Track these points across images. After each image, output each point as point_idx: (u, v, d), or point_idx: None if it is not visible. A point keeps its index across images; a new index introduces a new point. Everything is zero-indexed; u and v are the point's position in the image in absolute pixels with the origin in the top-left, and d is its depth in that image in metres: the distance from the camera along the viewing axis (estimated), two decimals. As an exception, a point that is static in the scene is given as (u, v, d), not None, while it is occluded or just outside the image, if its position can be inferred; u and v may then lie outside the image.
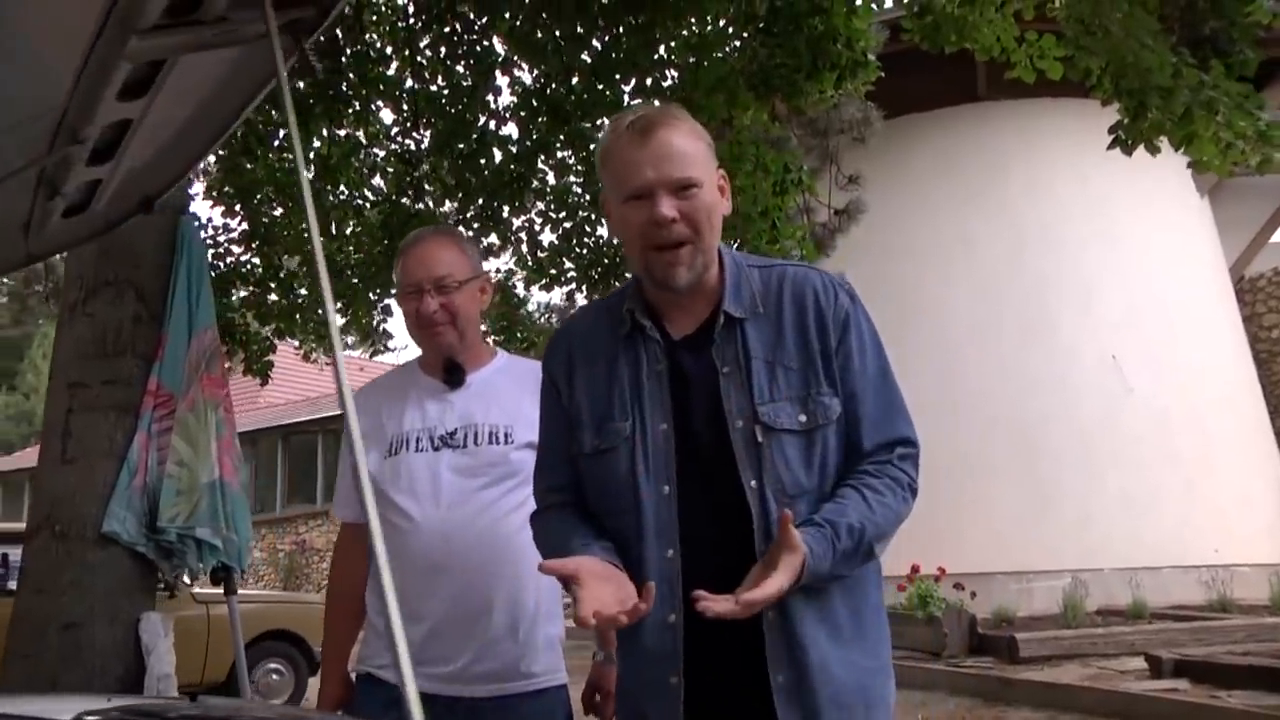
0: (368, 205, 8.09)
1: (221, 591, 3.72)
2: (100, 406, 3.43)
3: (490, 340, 5.98)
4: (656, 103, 6.82)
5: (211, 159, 7.35)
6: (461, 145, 7.23)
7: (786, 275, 1.81)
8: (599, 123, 6.86)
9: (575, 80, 6.71)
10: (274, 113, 7.36)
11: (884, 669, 1.79)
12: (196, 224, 3.90)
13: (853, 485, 1.69)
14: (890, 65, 10.73)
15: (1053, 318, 13.43)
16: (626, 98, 6.83)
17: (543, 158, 7.52)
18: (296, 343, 8.61)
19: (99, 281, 3.52)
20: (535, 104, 6.80)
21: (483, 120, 7.35)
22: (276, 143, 7.50)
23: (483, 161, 7.35)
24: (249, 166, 7.34)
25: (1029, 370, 13.21)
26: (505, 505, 2.22)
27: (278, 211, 7.65)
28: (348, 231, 8.25)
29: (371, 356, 9.56)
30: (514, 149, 7.36)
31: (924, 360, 13.67)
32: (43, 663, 3.25)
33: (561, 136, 6.92)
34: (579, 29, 6.50)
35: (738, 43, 6.90)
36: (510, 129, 7.27)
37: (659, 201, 1.65)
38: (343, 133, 7.83)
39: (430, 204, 7.79)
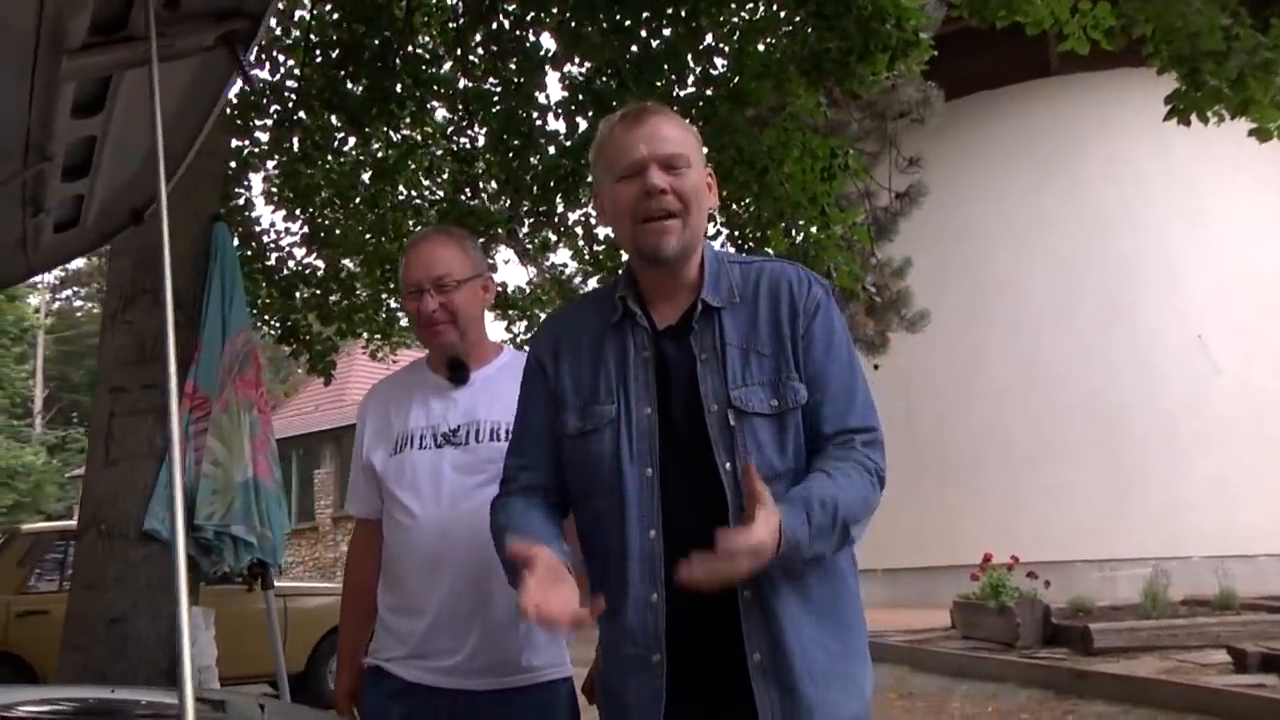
0: (427, 205, 8.21)
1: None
2: (140, 410, 3.56)
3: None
4: (709, 92, 6.84)
5: (270, 164, 7.57)
6: (516, 141, 7.29)
7: (765, 269, 1.86)
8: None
9: (620, 73, 6.71)
10: (332, 118, 7.54)
11: (860, 656, 1.80)
12: (229, 231, 4.01)
13: (819, 469, 1.70)
14: (959, 43, 10.51)
15: (1135, 298, 13.03)
16: (674, 89, 6.81)
17: (594, 152, 7.54)
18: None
19: (136, 290, 3.64)
20: (582, 98, 6.81)
21: (534, 116, 7.38)
22: (336, 144, 7.67)
23: (535, 159, 7.41)
24: (308, 171, 7.51)
25: (1110, 352, 12.84)
26: None
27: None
28: (415, 230, 8.40)
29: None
30: (568, 143, 7.40)
31: (1000, 344, 13.40)
32: (93, 655, 3.39)
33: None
34: (624, 21, 6.50)
35: (788, 28, 6.83)
36: (560, 124, 7.29)
37: (650, 173, 1.72)
38: (400, 135, 7.96)
39: (486, 200, 7.87)
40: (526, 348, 7.80)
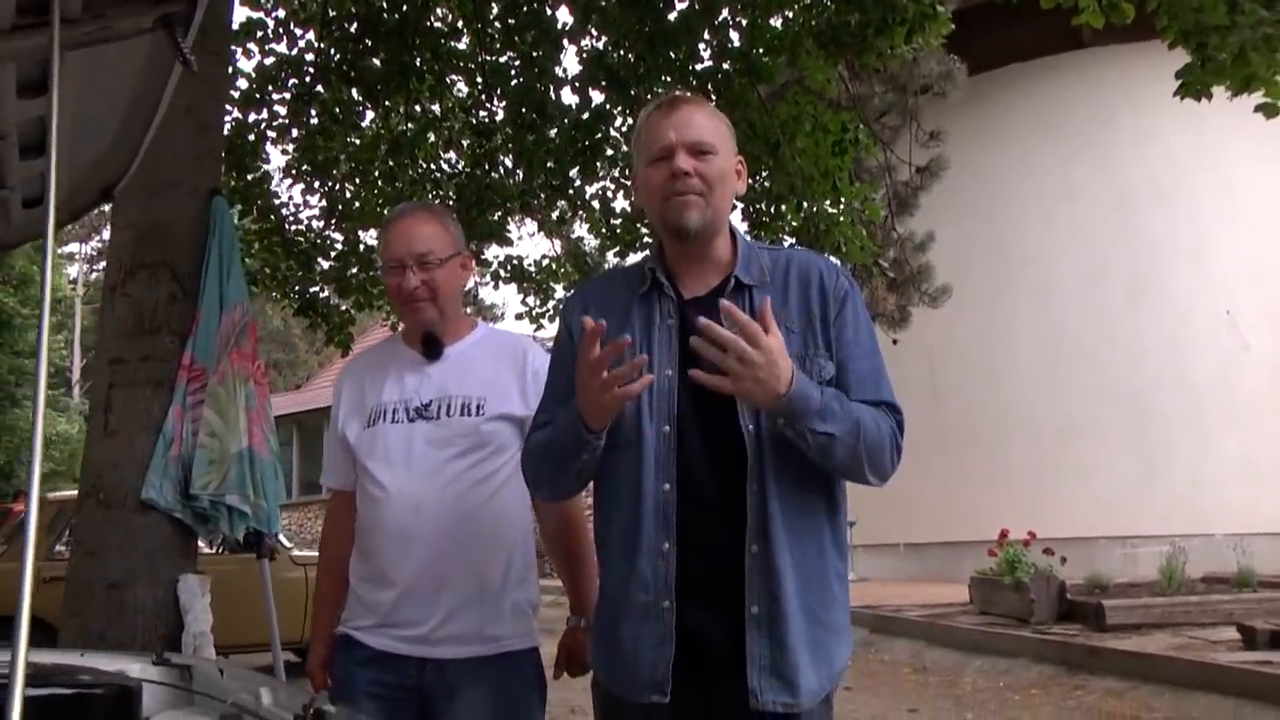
0: (445, 178, 8.25)
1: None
2: (138, 382, 3.62)
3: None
4: (725, 65, 6.81)
5: (289, 138, 7.62)
6: (533, 115, 7.29)
7: (794, 257, 1.99)
8: (657, 91, 6.85)
9: (636, 46, 6.70)
10: (354, 91, 7.58)
11: (837, 633, 1.87)
12: (229, 206, 4.06)
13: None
14: (988, 17, 10.36)
15: (1163, 274, 12.84)
16: (689, 63, 6.79)
17: (615, 125, 7.55)
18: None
19: (136, 264, 3.71)
20: (597, 72, 6.81)
21: (550, 90, 7.38)
22: (354, 118, 7.71)
23: (553, 132, 7.41)
24: (327, 145, 7.56)
25: (1137, 329, 12.68)
26: (474, 476, 2.28)
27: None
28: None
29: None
30: (584, 116, 7.39)
31: (1025, 320, 13.28)
32: (91, 620, 3.48)
33: (620, 106, 6.92)
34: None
35: (805, 1, 6.78)
36: (574, 99, 7.29)
37: (677, 156, 1.86)
38: (419, 109, 7.99)
39: (503, 174, 7.89)
40: (533, 321, 7.79)
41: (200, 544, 8.30)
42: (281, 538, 8.75)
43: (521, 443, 2.33)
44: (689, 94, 2.04)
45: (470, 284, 11.04)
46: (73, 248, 36.58)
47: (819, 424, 1.73)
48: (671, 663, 1.78)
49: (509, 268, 8.62)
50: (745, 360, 1.66)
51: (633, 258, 8.63)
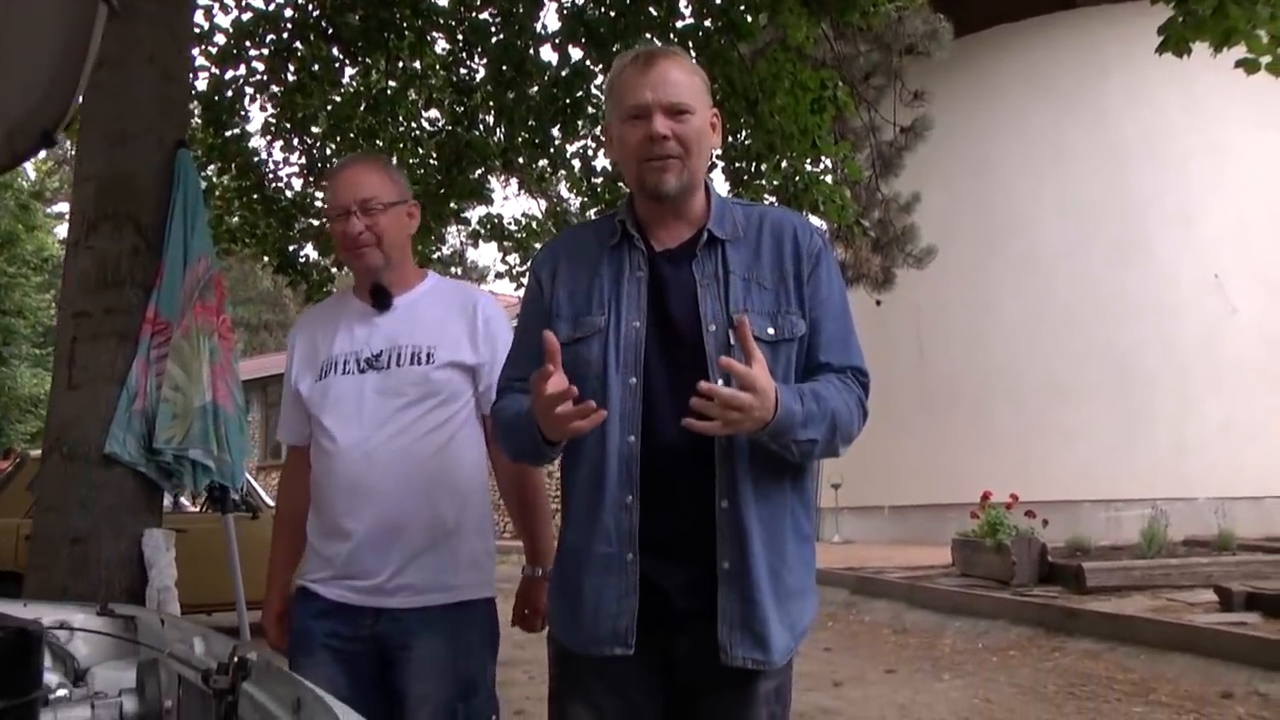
0: (425, 136, 8.16)
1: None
2: (102, 334, 3.58)
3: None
4: (706, 23, 6.72)
5: (275, 90, 7.52)
6: (513, 71, 7.21)
7: (769, 214, 1.99)
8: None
9: (615, 3, 6.61)
10: (333, 48, 7.48)
11: (800, 595, 1.87)
12: (193, 158, 4.00)
13: (813, 381, 1.84)
14: (979, -26, 10.26)
15: (1151, 236, 12.82)
16: (669, 20, 6.71)
17: (596, 83, 7.47)
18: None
19: (99, 216, 3.65)
20: (576, 29, 6.72)
21: (530, 47, 7.29)
22: (333, 75, 7.61)
23: (533, 90, 7.33)
24: (306, 101, 7.47)
25: (1124, 292, 12.68)
26: (425, 425, 2.28)
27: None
28: (411, 162, 8.37)
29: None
30: (564, 74, 7.31)
31: (1011, 283, 13.26)
32: (54, 574, 3.46)
33: (600, 63, 6.84)
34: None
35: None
36: (554, 56, 7.20)
37: (655, 119, 1.82)
38: (399, 66, 7.89)
39: (483, 132, 7.82)
40: (513, 280, 7.71)
41: (184, 502, 8.40)
42: (265, 496, 8.74)
43: (473, 390, 2.35)
44: (665, 47, 1.99)
45: (455, 244, 11.02)
46: (62, 206, 36.28)
47: (801, 434, 1.74)
48: (635, 615, 1.78)
49: (489, 226, 8.56)
50: (745, 409, 1.65)
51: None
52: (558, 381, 1.69)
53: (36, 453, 9.22)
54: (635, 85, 1.85)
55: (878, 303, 9.12)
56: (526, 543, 2.43)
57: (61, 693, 1.83)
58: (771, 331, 1.82)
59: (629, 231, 1.91)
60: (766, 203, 6.92)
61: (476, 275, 29.31)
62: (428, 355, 2.30)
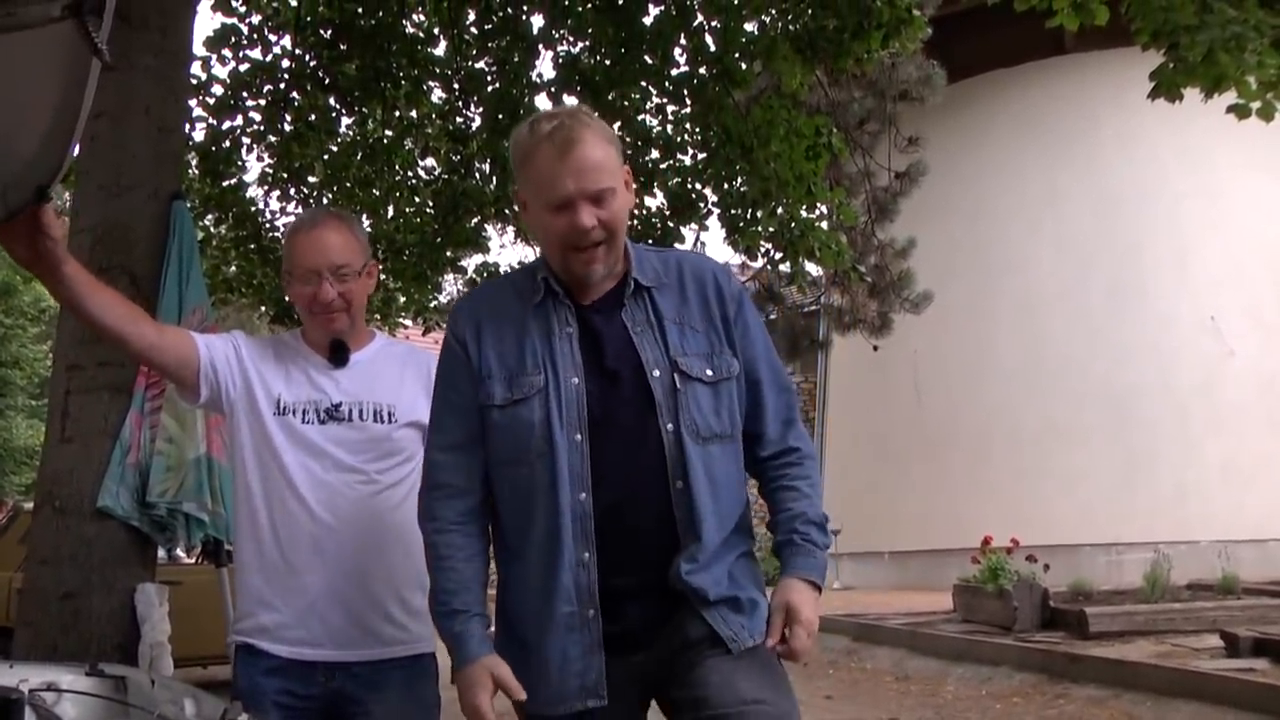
0: (421, 185, 8.20)
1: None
2: (95, 388, 3.56)
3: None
4: (701, 70, 6.78)
5: (272, 139, 7.56)
6: (509, 120, 7.26)
7: (685, 258, 2.02)
8: (633, 95, 6.81)
9: (609, 51, 6.67)
10: (329, 97, 7.53)
11: (761, 603, 1.92)
12: (190, 208, 4.01)
13: (787, 485, 1.94)
14: (972, 21, 10.36)
15: (1146, 279, 12.86)
16: (664, 68, 6.77)
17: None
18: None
19: (95, 268, 3.59)
20: (570, 78, 6.78)
21: (525, 95, 7.35)
22: (330, 124, 7.66)
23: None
24: (302, 151, 7.51)
25: (1120, 335, 12.69)
26: (385, 480, 2.27)
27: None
28: (407, 210, 8.40)
29: (425, 334, 9.73)
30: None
31: (1007, 326, 13.28)
32: (45, 630, 3.41)
33: (596, 111, 6.89)
34: (614, -1, 6.46)
35: (782, 5, 6.75)
36: (549, 104, 7.26)
37: (580, 211, 1.80)
38: (395, 115, 7.94)
39: (479, 180, 7.86)
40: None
41: (179, 553, 8.32)
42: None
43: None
44: (572, 115, 1.89)
45: (451, 293, 11.00)
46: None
47: (825, 550, 1.90)
48: (603, 670, 1.77)
49: (485, 274, 8.57)
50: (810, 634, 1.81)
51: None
52: None
53: (31, 505, 9.15)
54: (555, 175, 1.80)
55: (875, 348, 9.12)
56: None
57: (49, 757, 1.79)
58: (710, 373, 1.85)
59: (553, 288, 1.89)
60: (763, 250, 6.94)
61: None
62: (389, 414, 2.30)
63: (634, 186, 2.00)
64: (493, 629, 1.90)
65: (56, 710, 1.90)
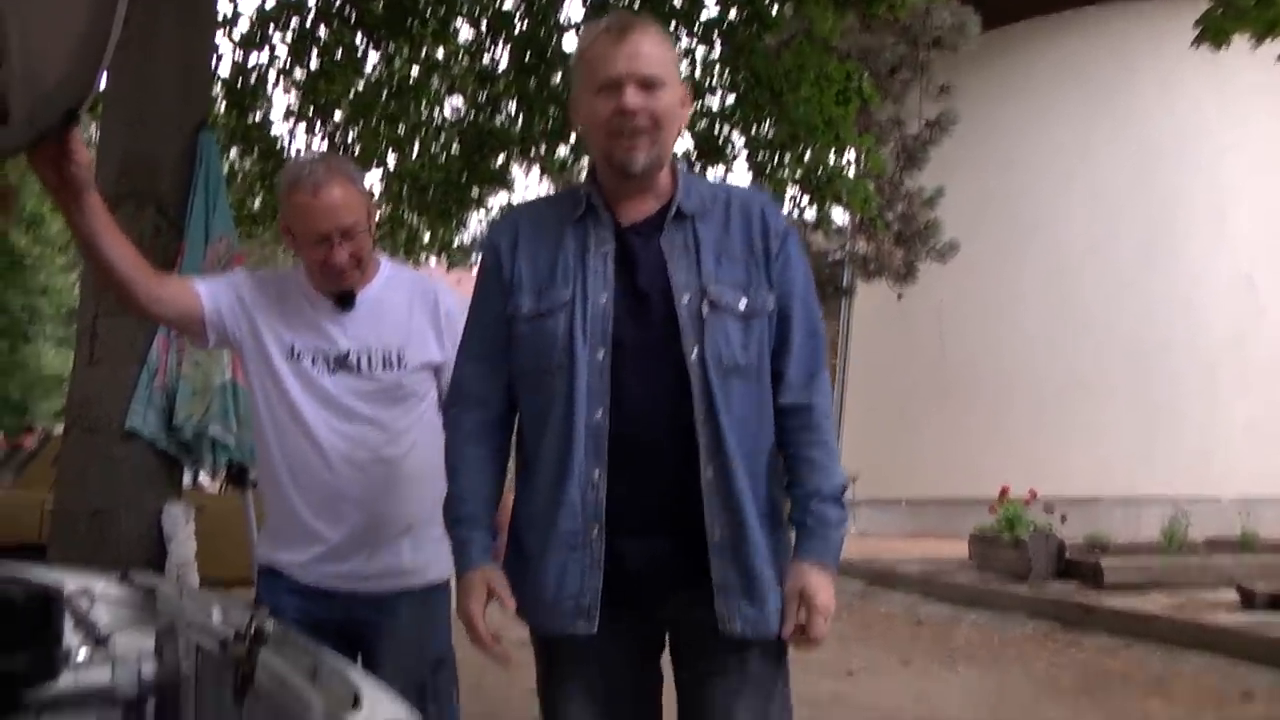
0: (447, 123, 8.18)
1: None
2: (123, 312, 3.60)
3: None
4: (731, 14, 6.70)
5: (298, 75, 7.55)
6: (536, 59, 7.21)
7: (735, 191, 1.99)
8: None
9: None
10: (356, 34, 7.50)
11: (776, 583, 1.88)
12: (215, 141, 4.03)
13: (804, 457, 1.87)
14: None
15: (1180, 234, 12.69)
16: (694, 10, 6.70)
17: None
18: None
19: (121, 195, 3.68)
20: (598, 19, 6.71)
21: (553, 35, 7.29)
22: (357, 61, 7.64)
23: (556, 78, 7.33)
24: (328, 87, 7.50)
25: (1151, 291, 12.56)
26: (398, 426, 2.28)
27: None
28: (433, 148, 8.38)
29: (448, 270, 9.75)
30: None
31: (1035, 279, 13.17)
32: (74, 548, 3.51)
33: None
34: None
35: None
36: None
37: (626, 93, 1.78)
38: (423, 53, 7.90)
39: (505, 119, 7.83)
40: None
41: (203, 481, 8.47)
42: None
43: (436, 385, 2.33)
44: (638, 17, 1.94)
45: (476, 232, 11.02)
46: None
47: (842, 526, 1.85)
48: (599, 593, 1.77)
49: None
50: (822, 615, 1.79)
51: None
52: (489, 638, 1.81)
53: (61, 429, 9.34)
54: (608, 57, 1.80)
55: (899, 297, 9.07)
56: None
57: (83, 656, 1.86)
58: (744, 306, 1.82)
59: (594, 205, 1.87)
60: (790, 195, 6.91)
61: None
62: (398, 358, 2.28)
63: (689, 108, 1.96)
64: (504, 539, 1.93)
65: (91, 615, 1.97)
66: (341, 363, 2.26)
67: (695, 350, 1.77)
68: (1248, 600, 7.02)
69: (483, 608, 1.80)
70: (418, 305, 2.33)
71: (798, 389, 1.88)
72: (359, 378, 2.26)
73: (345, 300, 2.28)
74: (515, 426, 1.94)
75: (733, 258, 1.84)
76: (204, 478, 8.21)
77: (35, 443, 10.15)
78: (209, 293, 2.25)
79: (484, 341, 1.91)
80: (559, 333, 1.80)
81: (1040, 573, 8.49)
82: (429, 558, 2.31)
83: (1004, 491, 8.99)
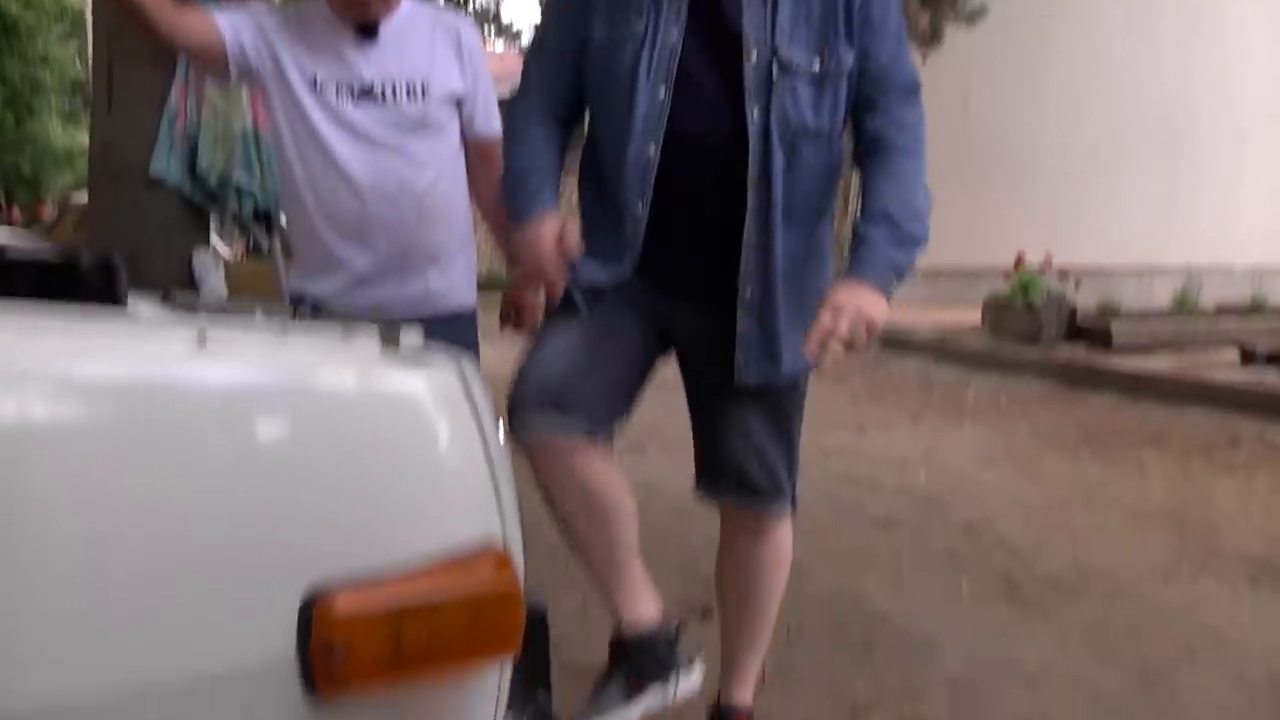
0: None
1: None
2: (139, 56, 3.56)
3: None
4: None
5: None
6: None
7: None
8: None
9: None
10: None
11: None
12: None
13: (881, 165, 1.81)
14: None
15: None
16: None
17: None
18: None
19: (134, -65, 3.56)
20: None
21: None
22: None
23: None
24: None
25: (1185, 50, 12.10)
26: (421, 157, 2.29)
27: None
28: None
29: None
30: None
31: (1067, 49, 12.67)
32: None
33: None
34: None
35: None
36: None
37: None
38: None
39: None
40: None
41: (223, 252, 8.58)
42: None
43: (458, 117, 2.34)
44: None
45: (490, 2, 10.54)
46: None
47: (909, 257, 1.77)
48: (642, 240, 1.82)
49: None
50: (844, 331, 1.66)
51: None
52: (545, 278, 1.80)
53: (78, 195, 9.39)
54: None
55: (923, 60, 8.76)
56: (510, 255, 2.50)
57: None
58: (818, 67, 1.77)
59: None
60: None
61: (512, 37, 28.31)
62: (422, 88, 2.26)
63: None
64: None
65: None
66: (366, 93, 2.24)
67: (757, 109, 1.75)
68: (1248, 358, 7.18)
69: (555, 235, 1.80)
70: (440, 37, 2.31)
71: (891, 71, 1.83)
72: (383, 107, 2.25)
73: (369, 30, 2.25)
74: (570, 139, 1.95)
75: (811, 15, 1.78)
76: (222, 247, 8.31)
77: (55, 210, 10.20)
78: (230, 24, 2.22)
79: (553, 42, 1.91)
80: (624, 64, 1.79)
81: (1051, 336, 8.62)
82: (454, 283, 2.40)
83: (1020, 258, 8.99)
